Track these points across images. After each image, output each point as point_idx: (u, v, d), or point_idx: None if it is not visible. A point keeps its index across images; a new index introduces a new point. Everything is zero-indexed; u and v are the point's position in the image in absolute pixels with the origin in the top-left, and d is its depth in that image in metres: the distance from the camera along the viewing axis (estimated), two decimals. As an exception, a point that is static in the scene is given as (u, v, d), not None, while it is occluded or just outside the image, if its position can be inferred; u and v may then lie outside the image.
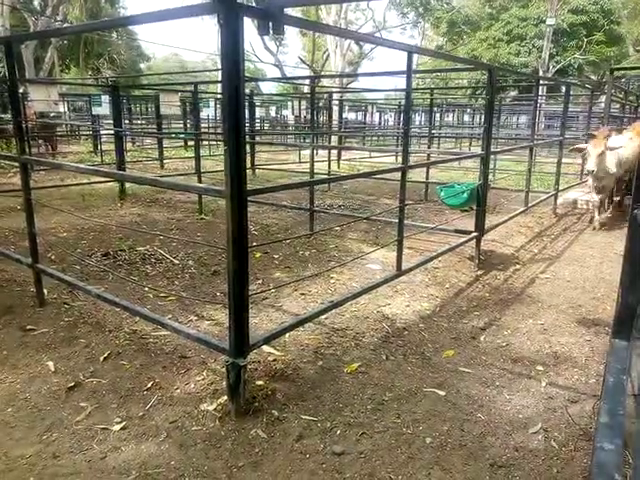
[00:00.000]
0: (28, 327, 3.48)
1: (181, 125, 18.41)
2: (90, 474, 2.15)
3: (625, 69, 15.20)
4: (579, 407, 2.73)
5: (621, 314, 1.09)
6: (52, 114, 12.26)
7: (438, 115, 18.84)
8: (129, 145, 15.26)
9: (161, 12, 2.41)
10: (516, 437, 2.46)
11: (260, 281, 4.53)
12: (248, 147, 9.97)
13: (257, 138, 12.77)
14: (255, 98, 13.52)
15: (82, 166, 4.27)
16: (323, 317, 3.60)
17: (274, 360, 3.11)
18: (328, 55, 26.56)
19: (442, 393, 2.83)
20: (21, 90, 9.14)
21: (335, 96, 16.02)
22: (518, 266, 5.21)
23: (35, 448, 2.30)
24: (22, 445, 2.32)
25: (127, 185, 8.37)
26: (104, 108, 11.93)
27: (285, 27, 2.39)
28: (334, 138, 15.62)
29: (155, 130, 14.64)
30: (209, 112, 17.38)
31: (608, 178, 6.55)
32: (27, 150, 4.41)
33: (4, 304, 3.82)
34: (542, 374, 3.07)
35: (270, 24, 2.31)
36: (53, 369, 2.97)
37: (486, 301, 4.23)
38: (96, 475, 2.15)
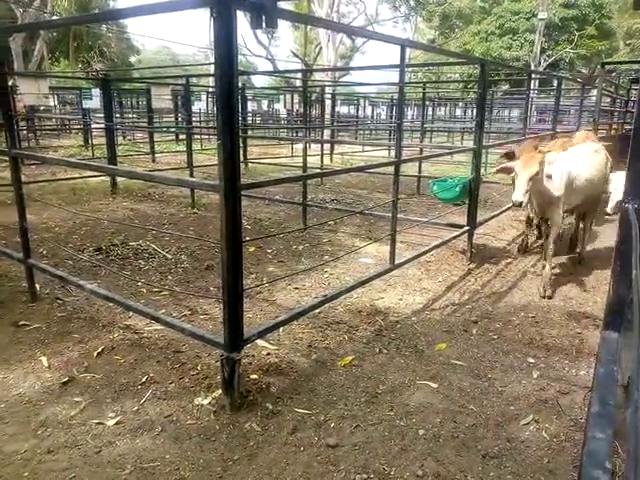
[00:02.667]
0: (21, 322, 3.46)
1: (172, 119, 18.29)
2: (85, 469, 2.16)
3: (616, 63, 15.30)
4: (570, 398, 2.76)
5: (612, 306, 1.10)
6: (42, 107, 12.12)
7: (430, 109, 18.85)
8: (120, 139, 15.15)
9: (154, 5, 2.39)
10: (508, 428, 2.50)
11: (254, 275, 4.53)
12: (240, 141, 9.94)
13: (249, 132, 12.72)
14: (247, 92, 13.46)
15: (74, 160, 4.25)
16: (317, 311, 3.61)
17: (268, 354, 3.13)
18: (320, 48, 26.45)
19: (435, 385, 2.85)
20: (10, 83, 9.02)
21: (327, 90, 15.98)
22: (510, 259, 5.24)
23: (30, 443, 2.30)
24: (16, 440, 2.32)
25: (118, 179, 8.31)
26: (95, 102, 11.83)
27: (278, 20, 2.38)
28: (326, 132, 15.59)
29: (146, 124, 14.53)
30: (201, 106, 17.30)
31: (553, 207, 4.31)
32: (17, 144, 4.35)
33: (-4, 299, 3.80)
34: (533, 366, 3.10)
35: (263, 17, 2.30)
36: (47, 364, 2.97)
37: (478, 294, 4.27)
38: (91, 470, 2.15)
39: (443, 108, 24.43)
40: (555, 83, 9.21)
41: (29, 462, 2.18)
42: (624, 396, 1.74)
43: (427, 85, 14.92)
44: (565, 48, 27.73)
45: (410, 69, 28.52)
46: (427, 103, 15.64)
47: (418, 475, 2.16)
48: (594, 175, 4.58)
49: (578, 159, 4.48)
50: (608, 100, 10.93)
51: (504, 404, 2.70)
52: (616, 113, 11.08)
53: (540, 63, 27.22)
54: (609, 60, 20.29)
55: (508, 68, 20.22)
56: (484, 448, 2.34)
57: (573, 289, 4.44)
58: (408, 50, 3.89)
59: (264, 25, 2.33)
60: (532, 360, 3.17)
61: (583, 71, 30.54)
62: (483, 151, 5.74)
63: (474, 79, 22.39)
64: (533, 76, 14.54)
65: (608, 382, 0.88)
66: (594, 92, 10.98)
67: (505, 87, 28.05)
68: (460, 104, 24.69)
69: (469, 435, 2.43)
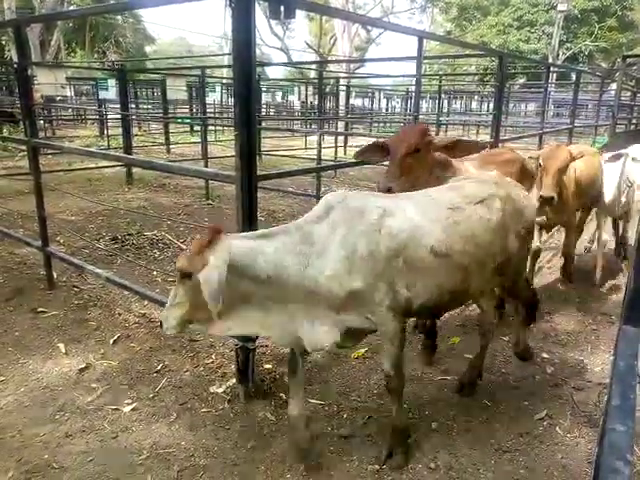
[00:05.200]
0: (39, 309, 3.52)
1: (187, 110, 18.35)
2: (102, 453, 2.20)
3: (637, 56, 14.99)
4: (584, 394, 2.74)
5: (632, 300, 1.09)
6: (59, 98, 12.22)
7: (446, 102, 18.68)
8: (135, 130, 15.22)
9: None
10: (521, 423, 2.49)
11: (267, 266, 4.54)
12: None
13: (263, 124, 12.72)
14: (261, 83, 13.43)
15: (93, 150, 4.29)
16: (330, 303, 3.61)
17: (282, 344, 3.14)
18: (335, 40, 26.31)
19: (448, 379, 2.85)
20: (28, 73, 9.09)
21: (342, 82, 15.90)
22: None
23: (48, 427, 2.35)
24: (36, 424, 2.37)
25: (134, 170, 8.37)
26: (111, 92, 11.90)
27: (296, 11, 2.37)
28: (340, 124, 15.53)
29: (161, 115, 14.59)
30: (215, 97, 17.29)
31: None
32: (36, 134, 4.41)
33: (15, 286, 3.87)
34: (548, 362, 3.08)
35: (282, 8, 2.29)
36: (64, 351, 3.02)
37: (492, 289, 4.24)
38: (108, 454, 2.20)
39: (459, 101, 24.18)
40: (573, 77, 9.07)
41: (48, 445, 2.23)
42: (641, 393, 1.72)
43: (443, 77, 14.79)
44: (585, 41, 27.23)
45: (425, 61, 28.25)
46: (443, 96, 15.51)
47: (431, 467, 2.17)
48: (464, 246, 2.07)
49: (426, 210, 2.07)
50: (628, 94, 10.73)
51: (518, 399, 2.69)
52: (636, 108, 10.89)
53: (558, 56, 26.78)
54: (630, 53, 19.87)
55: (526, 61, 19.94)
56: (497, 442, 2.34)
57: (588, 286, 4.39)
58: (424, 42, 3.86)
59: (282, 15, 2.32)
60: (546, 356, 3.15)
61: (602, 64, 29.99)
62: (500, 145, 5.67)
63: (490, 72, 22.12)
64: (551, 69, 14.28)
65: (628, 376, 0.87)
66: (613, 86, 10.77)
67: (522, 80, 27.68)
68: (476, 97, 24.42)
69: (482, 429, 2.43)
